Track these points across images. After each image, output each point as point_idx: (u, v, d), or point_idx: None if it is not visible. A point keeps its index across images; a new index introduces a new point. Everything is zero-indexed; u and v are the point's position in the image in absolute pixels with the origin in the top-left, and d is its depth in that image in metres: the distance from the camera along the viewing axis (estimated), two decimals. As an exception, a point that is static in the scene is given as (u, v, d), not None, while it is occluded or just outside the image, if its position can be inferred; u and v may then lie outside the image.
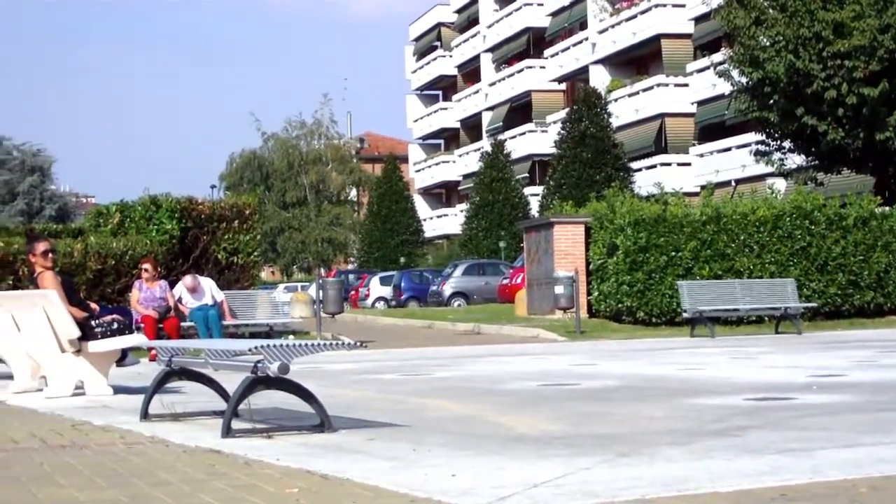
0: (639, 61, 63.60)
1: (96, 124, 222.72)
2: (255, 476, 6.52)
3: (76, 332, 12.23)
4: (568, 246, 27.65)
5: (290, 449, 7.64)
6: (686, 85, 57.51)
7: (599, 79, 63.39)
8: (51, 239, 16.27)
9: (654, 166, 57.41)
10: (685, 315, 23.81)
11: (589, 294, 27.26)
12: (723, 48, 41.77)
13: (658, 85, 59.03)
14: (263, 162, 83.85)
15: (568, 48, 67.89)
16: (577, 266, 26.58)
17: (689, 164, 56.71)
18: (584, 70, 66.08)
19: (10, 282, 21.52)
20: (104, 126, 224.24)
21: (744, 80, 33.29)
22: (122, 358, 13.14)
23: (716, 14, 35.57)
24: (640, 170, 55.71)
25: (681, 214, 26.68)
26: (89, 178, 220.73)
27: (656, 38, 59.57)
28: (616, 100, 59.66)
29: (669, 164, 57.61)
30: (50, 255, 12.75)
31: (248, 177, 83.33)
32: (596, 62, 64.87)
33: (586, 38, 65.83)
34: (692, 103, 56.97)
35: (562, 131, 53.49)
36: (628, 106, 60.31)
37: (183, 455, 7.51)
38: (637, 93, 60.40)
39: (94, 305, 13.25)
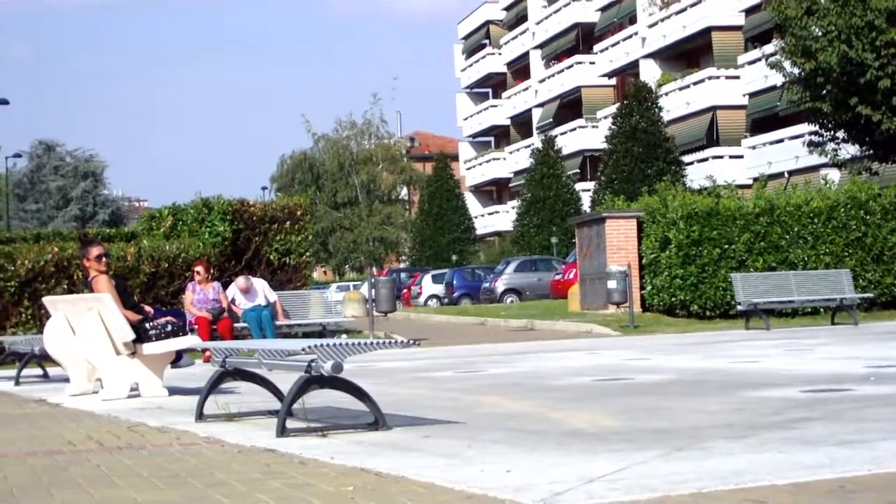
0: (689, 54, 63.25)
1: (148, 128, 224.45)
2: (310, 475, 6.52)
3: (131, 335, 12.31)
4: (620, 241, 27.54)
5: (344, 447, 7.64)
6: (737, 77, 57.15)
7: (650, 73, 63.11)
8: (104, 243, 16.39)
9: (705, 159, 57.11)
10: (739, 308, 23.64)
11: (642, 288, 27.15)
12: (774, 39, 41.44)
13: (709, 77, 58.68)
14: (314, 163, 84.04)
15: (617, 43, 67.67)
16: (629, 260, 26.49)
17: (741, 157, 56.32)
18: (634, 64, 65.85)
19: (65, 286, 21.67)
20: (156, 130, 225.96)
21: (796, 70, 33.01)
22: (177, 359, 13.24)
23: (766, 5, 35.33)
24: (691, 163, 55.47)
25: (734, 207, 26.52)
26: (142, 182, 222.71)
27: (707, 31, 59.22)
28: (667, 93, 59.43)
29: (721, 157, 57.23)
30: (104, 259, 12.84)
31: (299, 178, 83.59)
32: (646, 56, 64.60)
33: (636, 33, 65.56)
34: (744, 95, 56.59)
35: (612, 126, 53.36)
36: (679, 99, 60.02)
37: (238, 455, 7.53)
38: (688, 86, 60.06)
39: (148, 308, 13.33)
